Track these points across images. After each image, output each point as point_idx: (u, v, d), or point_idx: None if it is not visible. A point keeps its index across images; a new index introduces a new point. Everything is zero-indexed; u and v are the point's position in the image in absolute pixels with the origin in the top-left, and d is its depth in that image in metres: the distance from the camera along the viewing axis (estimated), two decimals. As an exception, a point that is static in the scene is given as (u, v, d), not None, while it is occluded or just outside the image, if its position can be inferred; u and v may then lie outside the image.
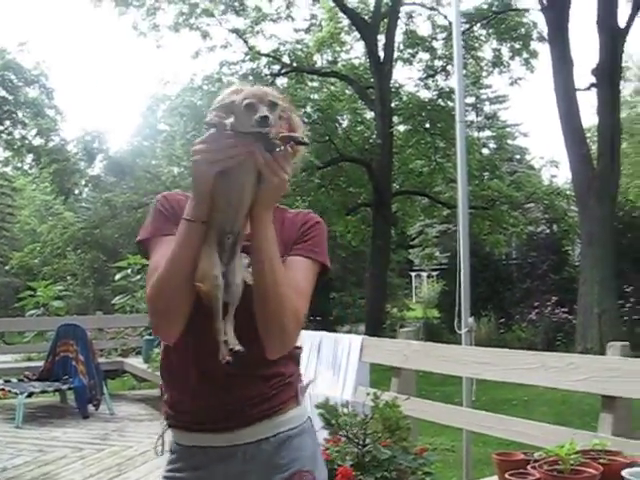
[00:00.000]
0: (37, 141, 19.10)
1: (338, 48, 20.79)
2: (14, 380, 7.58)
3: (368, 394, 3.08)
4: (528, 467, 2.08)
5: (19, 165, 21.19)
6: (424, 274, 30.54)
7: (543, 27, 16.34)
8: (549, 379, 3.37)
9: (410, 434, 3.08)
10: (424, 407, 4.14)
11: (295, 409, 1.74)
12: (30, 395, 7.29)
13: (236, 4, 17.88)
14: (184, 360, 1.69)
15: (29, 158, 19.65)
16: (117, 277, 10.41)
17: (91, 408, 7.46)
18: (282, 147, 1.45)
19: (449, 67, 18.58)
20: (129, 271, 10.20)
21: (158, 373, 6.54)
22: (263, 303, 1.53)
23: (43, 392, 7.53)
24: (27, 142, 19.08)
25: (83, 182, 20.83)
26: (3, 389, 7.51)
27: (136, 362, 8.47)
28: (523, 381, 3.62)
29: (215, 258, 1.47)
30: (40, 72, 18.88)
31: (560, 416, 7.26)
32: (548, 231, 19.32)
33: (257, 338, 1.61)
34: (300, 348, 1.82)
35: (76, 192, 20.92)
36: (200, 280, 1.47)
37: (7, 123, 18.89)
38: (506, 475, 2.04)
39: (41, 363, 7.98)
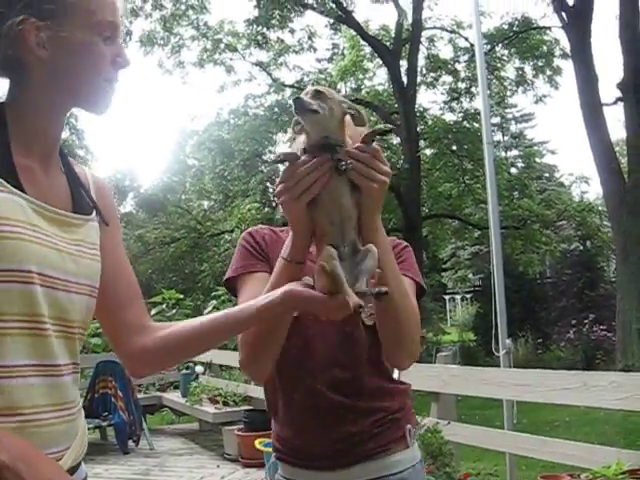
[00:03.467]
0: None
1: (361, 75, 20.96)
2: (55, 418, 7.63)
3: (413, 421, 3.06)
4: (575, 489, 2.05)
5: (52, 205, 21.56)
6: (458, 297, 30.32)
7: (565, 44, 16.35)
8: (591, 399, 3.32)
9: (453, 459, 3.04)
10: (465, 432, 4.09)
11: (403, 452, 1.67)
12: (71, 433, 7.33)
13: (259, 38, 18.13)
14: (288, 389, 1.67)
15: (62, 198, 20.01)
16: (152, 312, 10.47)
17: (131, 444, 7.48)
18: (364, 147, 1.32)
19: (473, 89, 18.61)
20: (164, 306, 10.26)
21: (196, 407, 6.51)
22: (392, 314, 1.47)
23: (83, 429, 7.58)
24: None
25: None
26: (44, 427, 7.56)
27: (174, 397, 8.49)
28: (565, 402, 3.57)
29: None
30: (70, 114, 19.29)
31: (604, 436, 7.13)
32: (582, 248, 19.13)
33: (357, 365, 1.62)
34: (407, 384, 1.77)
35: (109, 229, 21.18)
36: (321, 264, 1.28)
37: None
38: (553, 498, 2.02)
39: (80, 400, 8.04)
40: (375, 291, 1.28)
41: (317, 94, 1.28)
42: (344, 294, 1.24)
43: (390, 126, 1.42)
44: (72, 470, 1.22)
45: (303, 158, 1.30)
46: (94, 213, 1.32)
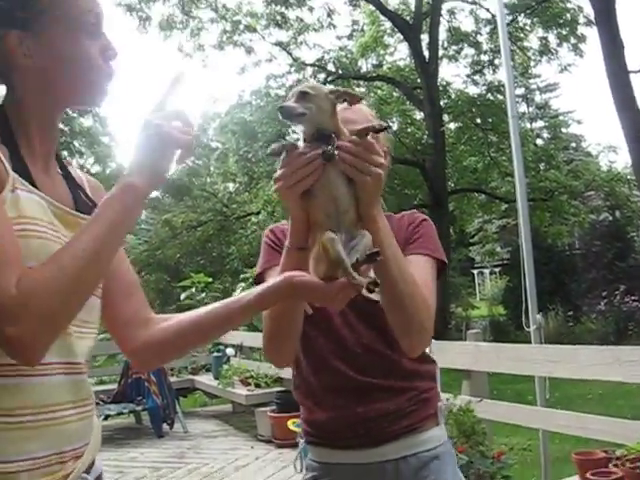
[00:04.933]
0: (95, 168, 19.64)
1: (382, 51, 20.78)
2: (90, 404, 7.73)
3: (440, 400, 3.05)
4: (610, 465, 2.04)
5: (78, 192, 21.78)
6: (486, 271, 30.16)
7: (589, 10, 16.02)
8: (624, 374, 3.29)
9: (486, 438, 3.04)
10: (498, 409, 4.08)
11: (434, 429, 1.71)
12: (106, 418, 7.43)
13: (278, 18, 18.02)
14: (317, 374, 1.71)
15: (88, 185, 20.20)
16: (182, 296, 10.54)
17: (165, 427, 7.58)
18: (358, 140, 1.33)
19: (496, 61, 18.36)
20: (193, 290, 10.32)
21: (228, 389, 6.57)
22: (396, 301, 1.48)
23: (119, 414, 7.67)
24: (85, 170, 19.59)
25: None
26: (80, 413, 7.66)
27: (206, 379, 8.57)
28: (597, 377, 3.54)
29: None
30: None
31: (638, 409, 7.07)
32: (611, 218, 18.87)
33: (385, 349, 1.65)
34: (434, 363, 1.80)
35: (136, 215, 21.34)
36: (322, 247, 1.28)
37: (65, 153, 19.44)
38: (588, 475, 2.01)
39: (114, 386, 8.14)
40: (366, 254, 1.27)
41: (302, 95, 1.31)
42: (349, 276, 1.24)
43: (385, 124, 1.39)
44: (90, 466, 1.25)
45: (300, 149, 1.33)
46: None
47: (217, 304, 1.38)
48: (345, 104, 1.36)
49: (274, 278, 1.34)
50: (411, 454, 1.65)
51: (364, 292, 1.29)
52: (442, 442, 1.72)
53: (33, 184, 1.17)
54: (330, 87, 1.37)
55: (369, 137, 1.34)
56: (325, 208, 1.33)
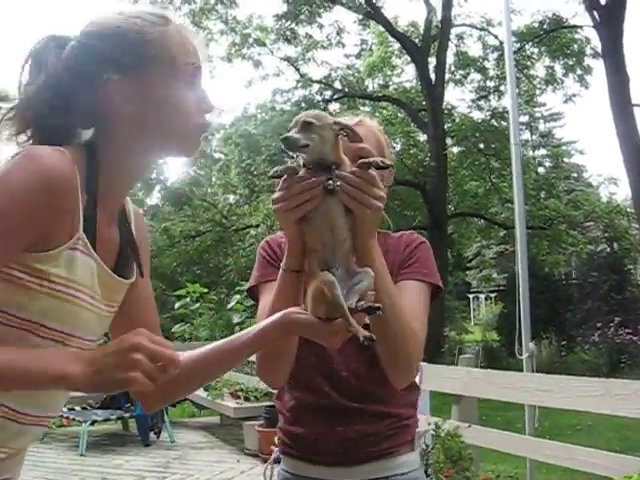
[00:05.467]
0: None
1: (389, 72, 20.91)
2: (78, 408, 7.71)
3: (429, 424, 3.04)
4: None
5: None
6: (482, 296, 30.13)
7: (597, 43, 16.13)
8: (614, 406, 3.28)
9: (472, 464, 3.03)
10: (486, 435, 4.07)
11: (409, 454, 1.73)
12: (93, 423, 7.40)
13: (287, 33, 18.14)
14: (300, 391, 1.71)
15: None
16: (176, 305, 10.54)
17: (152, 436, 7.53)
18: (361, 172, 1.31)
19: (501, 87, 18.45)
20: (188, 299, 10.31)
21: (217, 401, 6.53)
22: (387, 338, 1.47)
23: (106, 420, 7.64)
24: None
25: (142, 212, 21.27)
26: (67, 417, 7.64)
27: (196, 390, 8.54)
28: (587, 409, 3.54)
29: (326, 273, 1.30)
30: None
31: (627, 442, 7.05)
32: (609, 250, 18.86)
33: (372, 375, 1.63)
34: (418, 391, 1.81)
35: (135, 222, 21.30)
36: (320, 290, 1.26)
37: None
38: (573, 508, 1.99)
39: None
40: (367, 306, 1.27)
41: (305, 126, 1.30)
42: (347, 322, 1.24)
43: (388, 162, 1.38)
44: None
45: (301, 174, 1.32)
46: (134, 276, 1.33)
47: (219, 343, 1.36)
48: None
49: (271, 317, 1.33)
50: (385, 476, 1.66)
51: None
52: (416, 467, 1.74)
53: (94, 242, 1.17)
54: (334, 118, 1.36)
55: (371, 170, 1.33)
56: (322, 236, 1.32)
